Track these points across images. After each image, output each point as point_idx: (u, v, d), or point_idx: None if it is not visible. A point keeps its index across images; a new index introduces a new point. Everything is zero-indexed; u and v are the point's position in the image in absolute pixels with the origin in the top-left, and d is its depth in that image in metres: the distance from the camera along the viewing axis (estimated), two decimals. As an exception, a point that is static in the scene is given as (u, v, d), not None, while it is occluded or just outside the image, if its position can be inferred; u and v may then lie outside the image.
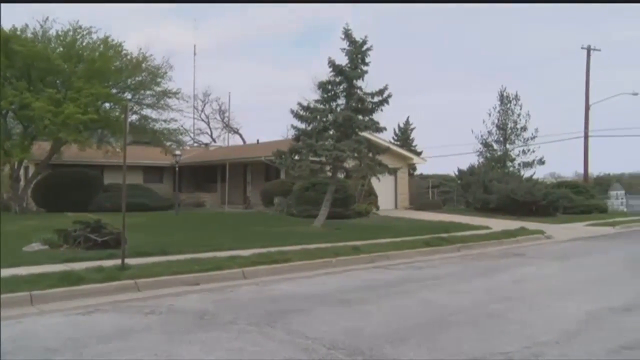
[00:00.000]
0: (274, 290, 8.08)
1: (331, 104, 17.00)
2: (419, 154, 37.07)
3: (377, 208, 24.15)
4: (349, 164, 17.74)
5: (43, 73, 22.14)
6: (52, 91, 20.96)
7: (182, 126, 28.91)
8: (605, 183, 37.41)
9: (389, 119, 42.11)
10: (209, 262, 9.31)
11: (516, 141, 29.88)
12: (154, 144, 27.09)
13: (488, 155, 30.67)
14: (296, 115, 16.82)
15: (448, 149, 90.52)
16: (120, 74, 23.92)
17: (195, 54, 49.69)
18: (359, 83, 16.72)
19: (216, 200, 29.74)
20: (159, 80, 25.35)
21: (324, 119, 16.85)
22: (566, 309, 6.81)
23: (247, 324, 5.91)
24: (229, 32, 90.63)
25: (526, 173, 29.21)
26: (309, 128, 16.91)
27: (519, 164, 29.75)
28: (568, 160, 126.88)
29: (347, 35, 16.53)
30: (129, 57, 24.20)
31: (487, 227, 17.79)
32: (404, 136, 44.75)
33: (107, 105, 23.92)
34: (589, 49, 33.85)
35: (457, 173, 32.63)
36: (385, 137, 25.91)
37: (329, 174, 17.93)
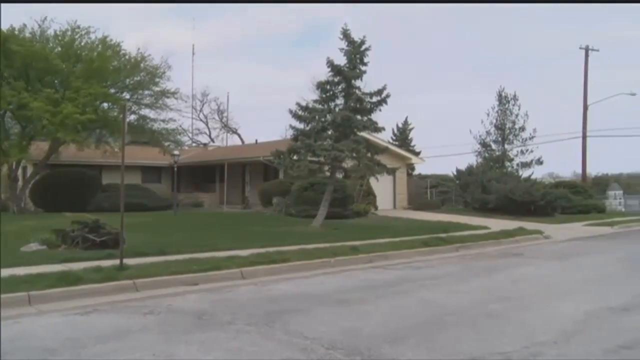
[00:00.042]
0: (273, 290, 8.08)
1: (330, 104, 17.01)
2: (417, 154, 37.11)
3: (376, 208, 24.16)
4: (348, 164, 17.74)
5: (41, 73, 22.12)
6: (50, 91, 20.94)
7: (180, 126, 28.94)
8: (603, 183, 37.49)
9: (387, 119, 42.13)
10: (208, 262, 9.30)
11: (514, 141, 29.92)
12: (152, 144, 27.08)
13: (486, 155, 30.70)
14: (295, 116, 16.83)
15: (446, 149, 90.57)
16: (119, 73, 23.91)
17: (193, 53, 50.00)
18: (358, 83, 16.74)
19: (215, 200, 29.73)
20: (157, 80, 25.36)
21: (323, 119, 16.85)
22: (564, 309, 6.82)
23: (245, 324, 5.91)
24: (227, 32, 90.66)
25: (524, 173, 29.28)
26: (308, 128, 16.91)
27: (517, 164, 29.79)
28: (566, 161, 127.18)
29: (346, 35, 16.53)
30: (127, 57, 24.21)
31: (485, 227, 17.80)
32: (403, 136, 44.79)
33: (105, 105, 23.90)
34: (587, 49, 33.90)
35: (455, 173, 32.67)
36: (384, 137, 25.95)
37: (328, 174, 17.94)
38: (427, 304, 7.22)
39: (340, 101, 16.99)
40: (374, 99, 16.81)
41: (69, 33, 22.93)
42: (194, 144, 44.41)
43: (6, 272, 7.87)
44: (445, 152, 78.94)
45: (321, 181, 19.46)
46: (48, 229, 11.52)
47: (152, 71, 25.09)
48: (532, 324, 6.04)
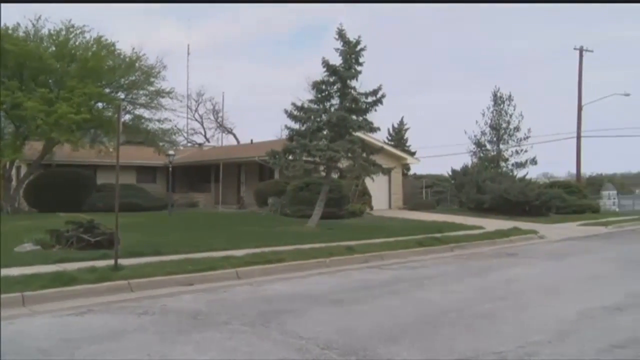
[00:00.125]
0: (268, 290, 8.07)
1: (325, 104, 17.00)
2: (413, 154, 37.18)
3: (371, 208, 24.19)
4: (343, 164, 17.74)
5: (35, 72, 22.02)
6: (45, 91, 20.84)
7: (175, 126, 28.84)
8: (597, 183, 37.64)
9: (383, 119, 42.29)
10: (203, 262, 9.29)
11: (509, 141, 29.98)
12: (147, 143, 26.99)
13: (481, 155, 30.76)
14: (290, 116, 16.81)
15: (442, 149, 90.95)
16: (114, 73, 23.82)
17: (189, 53, 49.58)
18: (353, 83, 16.74)
19: (210, 200, 29.67)
20: (152, 80, 25.27)
21: (318, 119, 16.84)
22: (559, 309, 6.85)
23: (240, 324, 5.90)
24: (223, 32, 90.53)
25: (519, 173, 29.34)
26: (303, 128, 16.90)
27: (512, 164, 29.86)
28: (561, 161, 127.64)
29: (341, 35, 16.53)
30: (122, 56, 24.12)
31: (480, 227, 17.84)
32: (398, 136, 44.88)
33: (100, 104, 23.81)
34: (581, 50, 34.05)
35: (450, 173, 32.72)
36: (380, 137, 25.98)
37: (323, 174, 17.94)
38: (422, 303, 7.24)
39: (335, 101, 16.98)
40: (370, 99, 16.81)
41: (63, 32, 22.82)
42: (189, 144, 44.33)
43: None
44: (441, 152, 79.26)
45: (316, 181, 19.46)
46: (42, 229, 11.47)
47: (147, 71, 25.01)
48: (526, 324, 6.06)
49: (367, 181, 22.55)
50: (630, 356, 4.99)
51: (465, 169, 30.27)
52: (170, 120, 27.42)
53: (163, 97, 25.84)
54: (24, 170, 25.76)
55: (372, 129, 17.27)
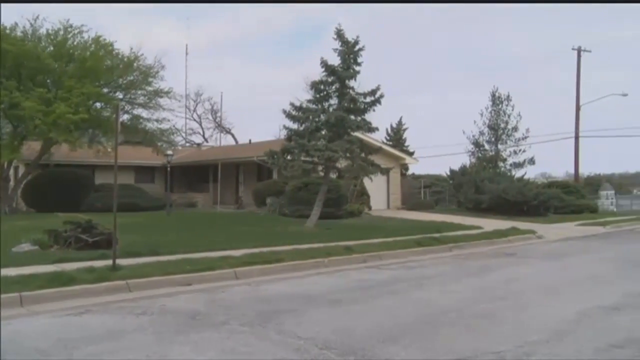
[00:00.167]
0: (266, 290, 8.07)
1: (323, 104, 16.99)
2: (411, 154, 37.20)
3: (370, 208, 24.19)
4: (342, 164, 17.74)
5: (33, 72, 21.98)
6: (43, 90, 20.80)
7: (174, 126, 28.80)
8: (595, 183, 37.72)
9: (381, 119, 42.18)
10: (201, 262, 9.29)
11: (507, 141, 30.00)
12: (145, 143, 26.97)
13: (480, 155, 30.78)
14: (288, 116, 16.80)
15: (440, 149, 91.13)
16: (112, 73, 23.80)
17: (187, 53, 49.58)
18: (351, 83, 16.74)
19: (208, 200, 29.65)
20: (150, 79, 25.24)
21: (316, 119, 16.84)
22: (557, 308, 6.86)
23: (239, 324, 5.90)
24: (221, 32, 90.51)
25: (517, 173, 29.36)
26: (302, 128, 16.90)
27: (510, 164, 29.88)
28: (559, 161, 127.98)
29: (339, 35, 16.53)
30: (120, 56, 24.09)
31: (478, 227, 17.86)
32: (397, 136, 44.88)
33: (98, 104, 23.78)
34: (579, 50, 34.11)
35: (449, 173, 32.75)
36: (378, 137, 25.98)
37: (322, 174, 17.94)
38: (420, 303, 7.24)
39: (334, 101, 16.98)
40: (368, 99, 16.82)
41: (61, 32, 22.79)
42: (187, 144, 44.29)
43: (-2, 272, 7.81)
44: (439, 152, 79.21)
45: (315, 181, 19.46)
46: (40, 229, 11.45)
47: (146, 71, 24.98)
48: (525, 323, 6.07)
49: (366, 181, 22.56)
50: (629, 356, 4.99)
51: (463, 169, 30.29)
52: (168, 120, 27.44)
53: (161, 97, 25.84)
54: (22, 170, 25.71)
55: (371, 129, 17.27)
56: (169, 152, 25.48)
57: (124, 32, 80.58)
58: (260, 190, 24.11)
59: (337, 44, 16.57)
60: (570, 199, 27.41)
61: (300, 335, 5.44)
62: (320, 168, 17.51)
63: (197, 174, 32.15)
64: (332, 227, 16.30)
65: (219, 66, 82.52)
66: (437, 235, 14.81)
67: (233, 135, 50.56)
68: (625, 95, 34.63)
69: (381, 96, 16.78)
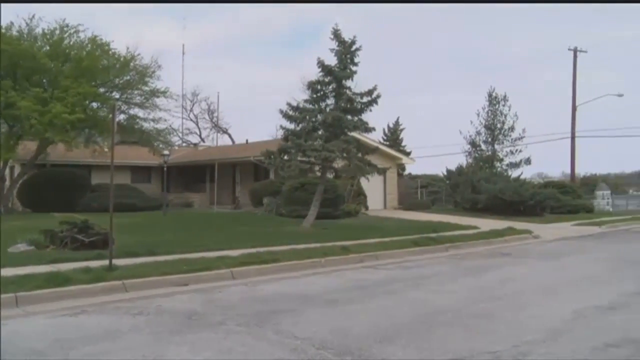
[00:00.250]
0: (263, 290, 8.06)
1: (320, 104, 16.99)
2: (408, 154, 37.23)
3: (366, 208, 24.20)
4: (338, 164, 17.75)
5: (29, 72, 21.91)
6: (39, 90, 20.73)
7: (170, 126, 28.73)
8: (591, 183, 37.78)
9: (378, 119, 42.34)
10: (198, 262, 9.28)
11: (504, 141, 30.05)
12: (142, 143, 26.91)
13: (476, 155, 30.82)
14: (285, 116, 16.80)
15: (437, 149, 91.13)
16: (108, 73, 23.73)
17: (184, 53, 49.79)
18: (348, 83, 16.74)
19: (205, 200, 29.61)
20: (147, 79, 25.17)
21: (313, 119, 16.85)
22: (553, 308, 6.88)
23: (235, 324, 5.89)
24: (218, 31, 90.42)
25: (514, 173, 29.42)
26: (298, 128, 16.89)
27: (507, 164, 29.94)
28: (555, 161, 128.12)
29: (336, 35, 16.53)
30: (117, 56, 24.01)
31: (475, 227, 17.89)
32: (394, 136, 44.92)
33: (94, 104, 23.70)
34: (575, 51, 34.21)
35: (445, 173, 32.78)
36: (375, 138, 26.01)
37: (318, 174, 17.94)
38: (417, 303, 7.25)
39: (330, 101, 16.99)
40: (365, 99, 16.83)
41: (57, 32, 22.70)
42: (184, 144, 44.20)
43: (-7, 273, 7.78)
44: (436, 152, 79.28)
45: (312, 181, 19.46)
46: (36, 230, 11.42)
47: (142, 70, 24.91)
48: (521, 323, 6.08)
49: (362, 181, 22.57)
50: (624, 355, 5.01)
51: (460, 169, 30.34)
52: (165, 120, 27.36)
53: (158, 97, 25.75)
54: (17, 170, 25.63)
55: (368, 129, 17.28)
56: (166, 152, 25.43)
57: (120, 32, 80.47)
58: (257, 190, 24.09)
59: (334, 44, 16.59)
60: (566, 199, 27.47)
61: (297, 335, 5.44)
62: (317, 168, 17.51)
63: (193, 174, 32.10)
64: (329, 227, 16.31)
65: (215, 66, 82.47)
66: (433, 235, 14.82)
67: (230, 135, 50.57)
68: (620, 95, 34.78)
69: (378, 96, 16.80)
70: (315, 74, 16.75)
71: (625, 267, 11.13)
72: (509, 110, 30.00)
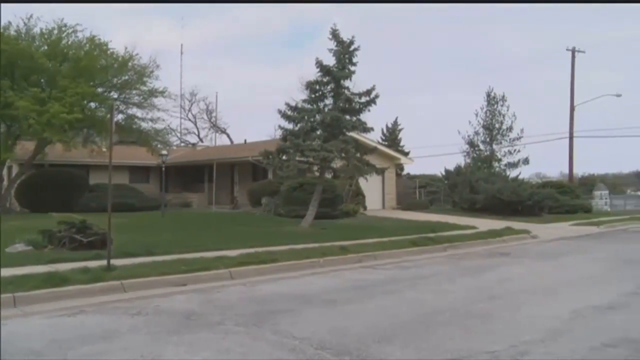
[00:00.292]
0: (262, 290, 8.06)
1: (319, 104, 17.01)
2: (406, 154, 37.26)
3: (365, 208, 24.21)
4: (337, 164, 17.76)
5: (27, 71, 21.85)
6: (37, 90, 20.68)
7: (169, 126, 28.73)
8: (589, 183, 37.89)
9: (377, 119, 42.37)
10: (196, 262, 9.27)
11: (502, 142, 30.07)
12: (140, 143, 26.87)
13: (474, 155, 30.84)
14: (284, 116, 16.81)
15: (435, 149, 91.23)
16: (106, 72, 23.67)
17: (182, 53, 49.63)
18: (347, 83, 16.77)
19: (203, 200, 29.58)
20: (145, 79, 25.13)
21: (312, 119, 16.85)
22: (551, 308, 6.88)
23: (234, 324, 5.89)
24: (216, 31, 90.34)
25: (512, 173, 29.45)
26: (297, 128, 16.91)
27: (505, 164, 29.96)
28: (553, 161, 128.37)
29: (335, 35, 16.54)
30: (115, 56, 23.97)
31: (473, 227, 17.91)
32: (392, 136, 44.96)
33: (92, 104, 23.66)
34: (573, 51, 34.27)
35: (444, 173, 32.79)
36: (373, 138, 26.02)
37: (317, 174, 17.94)
38: (415, 303, 7.25)
39: (329, 101, 17.00)
40: (363, 99, 16.84)
41: (55, 31, 22.65)
42: (182, 144, 44.18)
43: (-9, 273, 7.76)
44: (434, 152, 79.35)
45: (310, 181, 19.46)
46: (34, 230, 11.39)
47: (141, 70, 24.86)
48: (519, 323, 6.09)
49: (361, 181, 22.58)
50: (622, 355, 5.01)
51: (458, 169, 30.35)
52: (163, 120, 27.31)
53: (156, 96, 25.69)
54: (15, 170, 25.57)
55: (366, 129, 17.30)
56: (164, 152, 25.36)
57: (119, 31, 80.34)
58: (255, 190, 24.08)
59: (332, 44, 16.60)
60: (564, 199, 27.52)
61: (295, 335, 5.43)
62: (315, 168, 17.52)
63: (192, 174, 32.07)
64: (327, 227, 16.31)
65: (213, 66, 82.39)
66: (432, 235, 14.84)
67: (228, 135, 50.54)
68: (619, 96, 34.86)
69: (376, 96, 16.81)
70: (313, 74, 16.79)
71: (623, 267, 11.15)
72: (507, 110, 30.04)
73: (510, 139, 29.78)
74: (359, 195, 24.27)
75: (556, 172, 54.13)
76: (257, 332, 5.60)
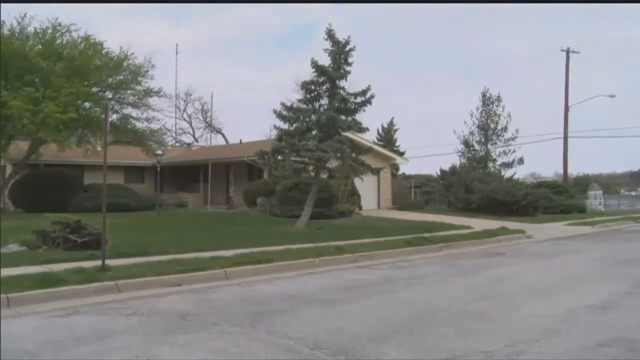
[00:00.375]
0: (257, 290, 8.05)
1: (314, 104, 17.01)
2: (401, 154, 37.31)
3: (360, 208, 24.22)
4: (332, 164, 17.76)
5: (21, 71, 21.72)
6: (31, 90, 20.57)
7: (164, 126, 28.60)
8: (584, 183, 38.05)
9: (372, 119, 42.38)
10: (191, 262, 9.24)
11: (497, 142, 30.18)
12: (135, 143, 26.77)
13: (470, 155, 30.93)
14: (279, 116, 16.80)
15: (430, 149, 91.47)
16: (101, 72, 23.57)
17: (177, 52, 49.63)
18: (342, 83, 16.77)
19: (198, 200, 29.53)
20: (140, 79, 25.03)
21: (307, 119, 16.86)
22: (546, 308, 6.90)
23: (229, 324, 5.88)
24: (212, 31, 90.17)
25: (507, 173, 29.56)
26: (292, 128, 16.90)
27: (500, 165, 30.07)
28: (548, 161, 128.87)
29: (330, 35, 16.55)
30: (110, 55, 23.88)
31: (468, 227, 17.95)
32: (388, 137, 44.98)
33: (87, 104, 23.55)
34: (567, 51, 34.41)
35: (439, 173, 32.86)
36: (369, 138, 26.02)
37: (312, 174, 17.94)
38: (410, 303, 7.26)
39: (324, 101, 17.00)
40: (358, 100, 16.85)
41: (49, 31, 22.52)
42: (177, 144, 44.06)
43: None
44: (430, 152, 79.47)
45: (306, 181, 19.45)
46: (28, 230, 11.34)
47: (135, 70, 24.75)
48: (514, 323, 6.11)
49: (356, 181, 22.60)
50: (616, 354, 5.04)
51: (453, 169, 30.42)
52: (158, 120, 27.19)
53: (151, 96, 25.58)
54: (9, 170, 25.43)
55: (361, 129, 17.31)
56: (159, 152, 25.32)
57: (113, 31, 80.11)
58: (250, 190, 24.06)
59: (328, 44, 16.60)
60: (559, 199, 27.63)
61: (291, 335, 5.43)
62: (310, 168, 17.52)
63: (187, 174, 32.00)
64: (323, 227, 16.31)
65: (209, 66, 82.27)
66: (427, 235, 14.86)
67: (223, 135, 50.46)
68: (612, 96, 34.99)
69: (372, 96, 16.83)
70: (309, 74, 16.78)
71: (617, 267, 11.20)
72: (503, 110, 30.17)
73: (505, 139, 29.93)
74: (354, 195, 24.28)
75: (551, 172, 54.37)
76: (253, 332, 5.59)
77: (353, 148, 17.43)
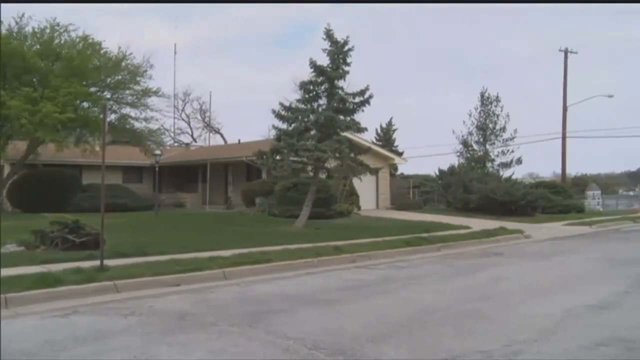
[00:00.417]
0: (255, 290, 8.05)
1: (313, 104, 17.02)
2: (400, 154, 37.33)
3: (359, 208, 24.23)
4: (331, 164, 17.77)
5: (19, 71, 21.67)
6: (29, 90, 20.53)
7: (162, 126, 28.55)
8: (582, 183, 38.12)
9: (371, 119, 42.38)
10: (190, 262, 9.24)
11: (496, 142, 30.20)
12: (133, 143, 26.73)
13: (468, 155, 30.95)
14: (278, 115, 16.80)
15: (429, 149, 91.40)
16: (99, 72, 23.54)
17: (175, 52, 49.56)
18: (341, 83, 16.78)
19: (197, 200, 29.51)
20: (138, 79, 25.00)
21: (306, 119, 16.86)
22: (544, 308, 6.91)
23: (228, 324, 5.87)
24: (210, 31, 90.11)
25: (505, 173, 29.59)
26: (291, 128, 16.90)
27: (498, 165, 30.10)
28: (546, 161, 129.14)
29: (329, 35, 16.55)
30: (108, 55, 23.84)
31: (467, 227, 17.96)
32: (386, 137, 45.01)
33: (85, 104, 23.52)
34: (566, 52, 34.46)
35: (437, 173, 32.88)
36: (367, 138, 26.05)
37: (311, 174, 17.94)
38: (409, 303, 7.27)
39: (323, 101, 17.01)
40: (357, 99, 16.86)
41: (47, 31, 22.49)
42: (175, 144, 44.01)
43: (-18, 273, 7.70)
44: (428, 152, 79.50)
45: (304, 181, 19.45)
46: (26, 230, 11.33)
47: (134, 70, 24.71)
48: (512, 323, 6.11)
49: (355, 181, 22.61)
50: (614, 354, 5.04)
51: (452, 169, 30.46)
52: (157, 120, 27.15)
53: (150, 96, 25.54)
54: (7, 170, 25.38)
55: (360, 129, 17.33)
56: (157, 152, 25.28)
57: (112, 31, 79.96)
58: (249, 191, 24.05)
59: (326, 44, 16.61)
60: (557, 199, 27.67)
61: (289, 335, 5.43)
62: (309, 168, 17.52)
63: (185, 174, 31.99)
64: (321, 227, 16.31)
65: (207, 66, 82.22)
66: (425, 235, 14.87)
67: (222, 135, 50.44)
68: (610, 96, 35.08)
69: (370, 96, 16.84)
70: (307, 74, 16.79)
71: (615, 267, 11.21)
72: (501, 110, 30.19)
73: (503, 139, 29.95)
74: (352, 195, 24.30)
75: (549, 172, 54.47)
76: (251, 332, 5.59)
77: (352, 148, 17.44)
